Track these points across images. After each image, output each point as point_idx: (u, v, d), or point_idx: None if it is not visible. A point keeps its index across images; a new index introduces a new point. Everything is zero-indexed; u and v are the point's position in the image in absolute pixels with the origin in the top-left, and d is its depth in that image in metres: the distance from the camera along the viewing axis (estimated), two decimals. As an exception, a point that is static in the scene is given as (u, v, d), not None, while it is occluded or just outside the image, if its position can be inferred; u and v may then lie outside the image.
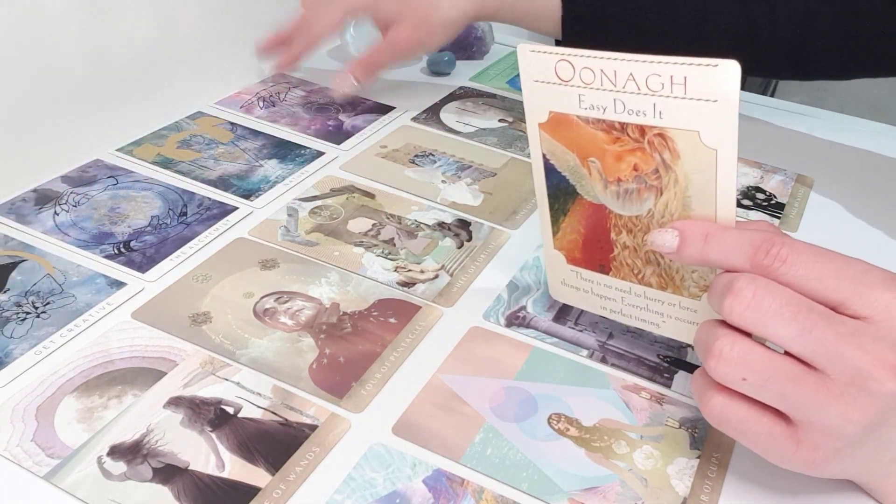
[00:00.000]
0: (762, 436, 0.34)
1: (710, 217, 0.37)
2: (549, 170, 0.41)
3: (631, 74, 0.35)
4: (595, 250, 0.42)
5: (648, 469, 0.39)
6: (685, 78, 0.34)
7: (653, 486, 0.38)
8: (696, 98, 0.34)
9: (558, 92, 0.38)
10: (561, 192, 0.41)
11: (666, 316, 0.41)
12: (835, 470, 0.35)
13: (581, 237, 0.42)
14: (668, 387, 0.44)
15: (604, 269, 0.42)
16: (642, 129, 0.36)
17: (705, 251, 0.35)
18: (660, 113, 0.35)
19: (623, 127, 0.37)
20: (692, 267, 0.39)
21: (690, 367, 0.45)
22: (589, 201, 0.41)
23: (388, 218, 0.56)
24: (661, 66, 0.34)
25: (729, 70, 0.33)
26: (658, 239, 0.37)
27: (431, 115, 0.71)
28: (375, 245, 0.54)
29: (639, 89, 0.35)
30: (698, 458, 0.40)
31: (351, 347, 0.45)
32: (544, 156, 0.41)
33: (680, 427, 0.41)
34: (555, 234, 0.43)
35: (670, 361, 0.45)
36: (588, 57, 0.36)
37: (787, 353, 0.33)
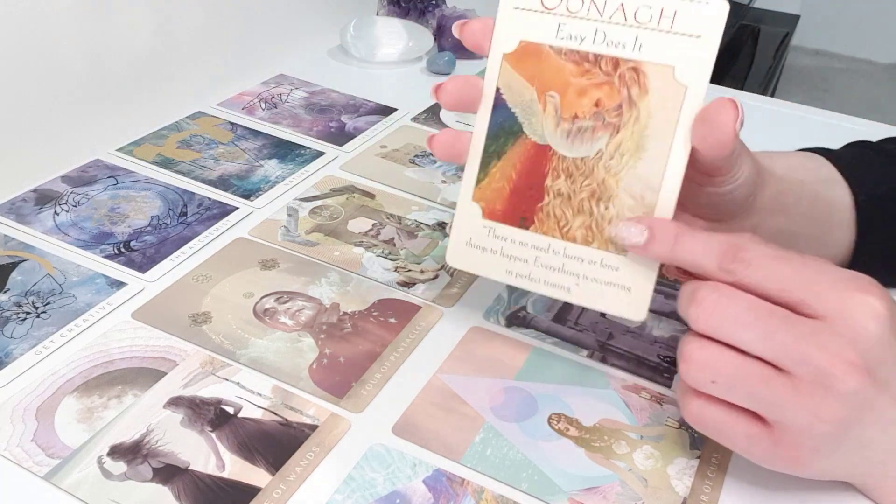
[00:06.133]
0: (740, 437, 0.35)
1: (662, 160, 0.37)
2: (498, 105, 0.40)
3: (622, 5, 0.37)
4: (522, 200, 0.40)
5: (648, 469, 0.39)
6: (675, 12, 0.36)
7: (653, 486, 0.38)
8: (679, 32, 0.36)
9: (537, 19, 0.39)
10: (503, 132, 0.40)
11: (581, 278, 0.40)
12: (819, 469, 0.35)
13: (510, 184, 0.41)
14: (668, 387, 0.44)
15: (525, 222, 0.41)
16: (616, 62, 0.37)
17: (675, 251, 0.36)
18: (640, 46, 0.37)
19: (597, 59, 0.38)
20: (627, 217, 0.38)
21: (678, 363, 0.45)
22: (532, 142, 0.40)
23: (388, 218, 0.56)
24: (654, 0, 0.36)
25: (718, 8, 0.35)
26: (624, 231, 0.37)
27: (431, 115, 0.71)
28: (375, 245, 0.54)
29: (625, 20, 0.37)
30: (698, 458, 0.40)
31: (351, 347, 0.45)
32: (498, 90, 0.40)
33: (680, 427, 0.41)
34: (479, 181, 0.41)
35: (670, 361, 0.45)
36: None
37: (755, 357, 0.34)
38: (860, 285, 0.34)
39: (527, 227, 0.40)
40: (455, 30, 0.41)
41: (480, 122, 0.41)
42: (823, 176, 0.48)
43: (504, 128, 0.40)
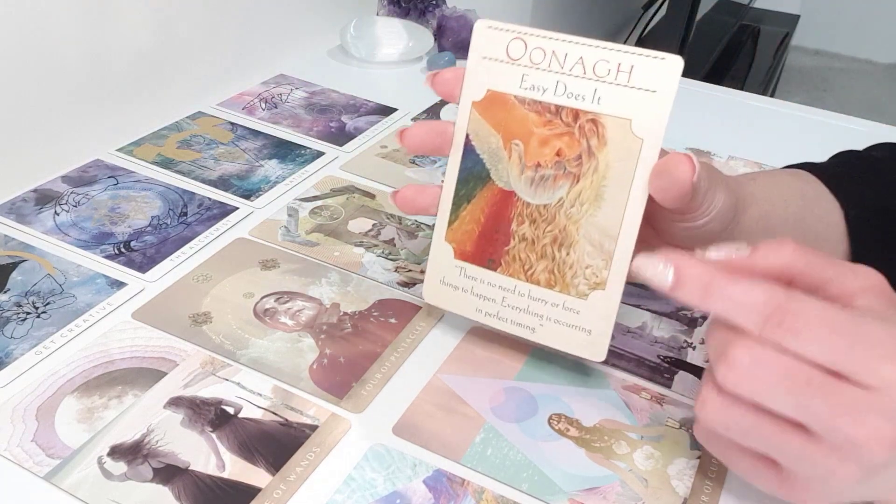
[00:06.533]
0: (748, 469, 0.35)
1: (619, 210, 0.38)
2: (468, 151, 0.42)
3: (581, 58, 0.38)
4: (489, 242, 0.42)
5: (649, 469, 0.39)
6: (632, 67, 0.37)
7: (653, 487, 0.38)
8: (636, 87, 0.37)
9: (503, 70, 0.40)
10: (472, 177, 0.42)
11: (545, 319, 0.41)
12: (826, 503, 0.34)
13: (479, 227, 0.42)
14: (669, 387, 0.44)
15: (493, 264, 0.42)
16: (576, 114, 0.38)
17: (707, 303, 0.33)
18: (598, 99, 0.38)
19: (558, 110, 0.39)
20: (587, 263, 0.39)
21: (690, 368, 0.45)
22: (499, 187, 0.41)
23: (388, 218, 0.56)
24: (611, 54, 0.37)
25: (673, 64, 0.36)
26: (650, 270, 0.35)
27: (431, 115, 0.71)
28: (376, 245, 0.54)
29: (584, 73, 0.38)
30: (699, 458, 0.40)
31: (351, 347, 0.45)
32: (468, 136, 0.41)
33: (680, 427, 0.41)
34: (451, 223, 0.43)
35: (670, 362, 0.45)
36: (543, 37, 0.39)
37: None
38: None
39: (494, 269, 0.42)
40: (428, 80, 0.42)
41: (452, 167, 0.42)
42: (810, 193, 0.47)
43: (473, 173, 0.42)
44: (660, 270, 0.34)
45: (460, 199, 0.42)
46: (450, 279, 0.43)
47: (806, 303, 0.32)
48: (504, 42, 0.40)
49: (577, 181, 0.39)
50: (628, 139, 0.37)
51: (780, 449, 0.32)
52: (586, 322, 0.40)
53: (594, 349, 0.40)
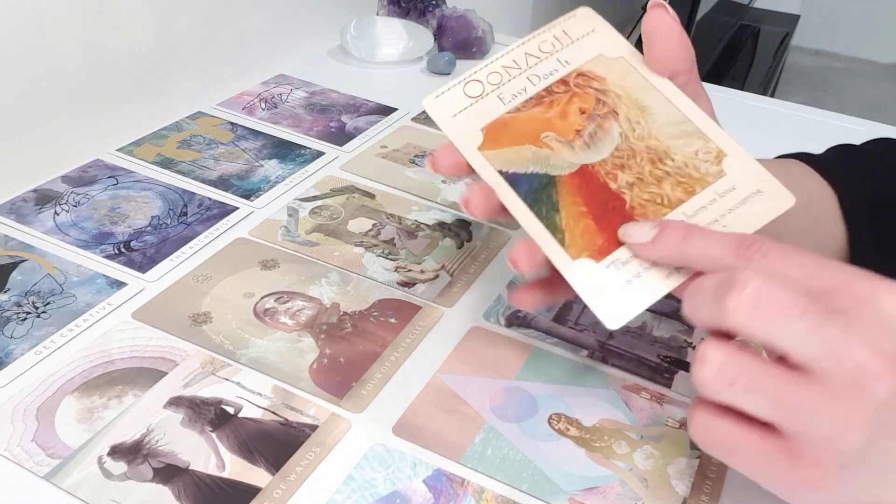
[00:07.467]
0: (753, 453, 0.32)
1: (663, 100, 0.40)
2: (515, 181, 0.39)
3: (526, 54, 0.42)
4: (611, 217, 0.38)
5: (649, 469, 0.39)
6: (563, 32, 0.43)
7: (653, 486, 0.38)
8: (579, 38, 0.43)
9: (479, 109, 0.42)
10: (538, 191, 0.39)
11: (717, 220, 0.38)
12: (838, 497, 0.31)
13: (589, 216, 0.39)
14: (669, 387, 0.44)
15: None
16: (563, 80, 0.42)
17: (686, 245, 0.35)
18: (566, 62, 0.42)
19: (549, 90, 0.42)
20: (693, 149, 0.39)
21: (690, 368, 0.45)
22: (570, 173, 0.39)
23: (388, 218, 0.56)
24: (543, 35, 0.43)
25: (586, 14, 0.43)
26: (632, 228, 0.36)
27: (431, 115, 0.71)
28: (375, 245, 0.54)
29: (540, 58, 0.42)
30: (698, 458, 0.40)
31: (351, 347, 0.45)
32: (501, 172, 0.40)
33: (680, 427, 0.41)
34: (562, 241, 0.38)
35: (670, 361, 0.46)
36: (487, 65, 0.43)
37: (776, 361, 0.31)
38: (882, 278, 0.31)
39: None
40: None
41: (512, 204, 0.39)
42: (809, 185, 0.47)
43: (535, 188, 0.39)
44: (645, 227, 0.36)
45: (550, 216, 0.39)
46: (613, 285, 0.37)
47: (770, 240, 0.34)
48: (458, 95, 0.42)
49: (617, 112, 0.40)
50: (613, 64, 0.41)
51: (789, 403, 0.30)
52: (746, 188, 0.38)
53: (779, 198, 0.38)
